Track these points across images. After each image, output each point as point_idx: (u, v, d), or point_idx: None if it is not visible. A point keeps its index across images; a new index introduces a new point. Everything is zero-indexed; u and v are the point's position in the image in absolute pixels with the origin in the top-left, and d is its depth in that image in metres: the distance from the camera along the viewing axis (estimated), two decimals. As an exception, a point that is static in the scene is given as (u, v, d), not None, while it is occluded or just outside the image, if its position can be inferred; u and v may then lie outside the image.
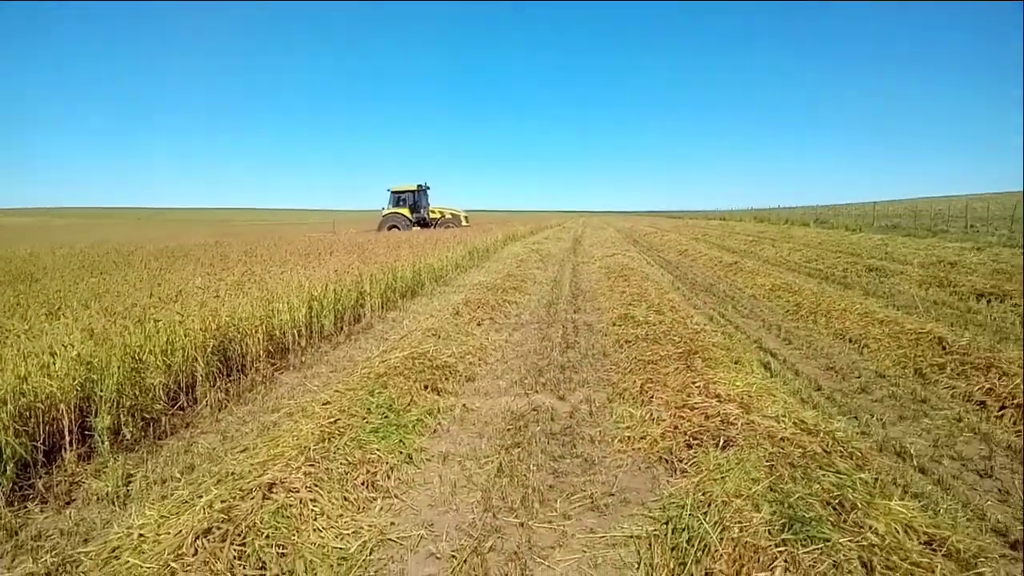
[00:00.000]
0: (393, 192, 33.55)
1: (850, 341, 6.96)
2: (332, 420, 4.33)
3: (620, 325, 7.77)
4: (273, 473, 3.42)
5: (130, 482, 3.84)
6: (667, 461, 3.91)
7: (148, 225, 68.24)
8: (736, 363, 5.73)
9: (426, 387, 5.44)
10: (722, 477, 3.38)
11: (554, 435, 4.49)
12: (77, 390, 4.22)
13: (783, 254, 17.69)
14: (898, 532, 2.78)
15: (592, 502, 3.47)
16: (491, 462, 4.02)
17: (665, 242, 24.99)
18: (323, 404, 4.78)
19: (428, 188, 34.07)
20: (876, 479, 3.40)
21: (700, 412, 4.37)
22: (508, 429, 4.62)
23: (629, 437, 4.31)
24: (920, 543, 2.75)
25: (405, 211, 32.87)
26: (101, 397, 4.29)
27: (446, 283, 13.18)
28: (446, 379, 5.80)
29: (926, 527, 2.84)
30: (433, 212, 33.77)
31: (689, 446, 3.99)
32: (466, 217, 34.55)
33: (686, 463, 3.77)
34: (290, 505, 3.13)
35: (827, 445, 3.77)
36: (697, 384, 4.94)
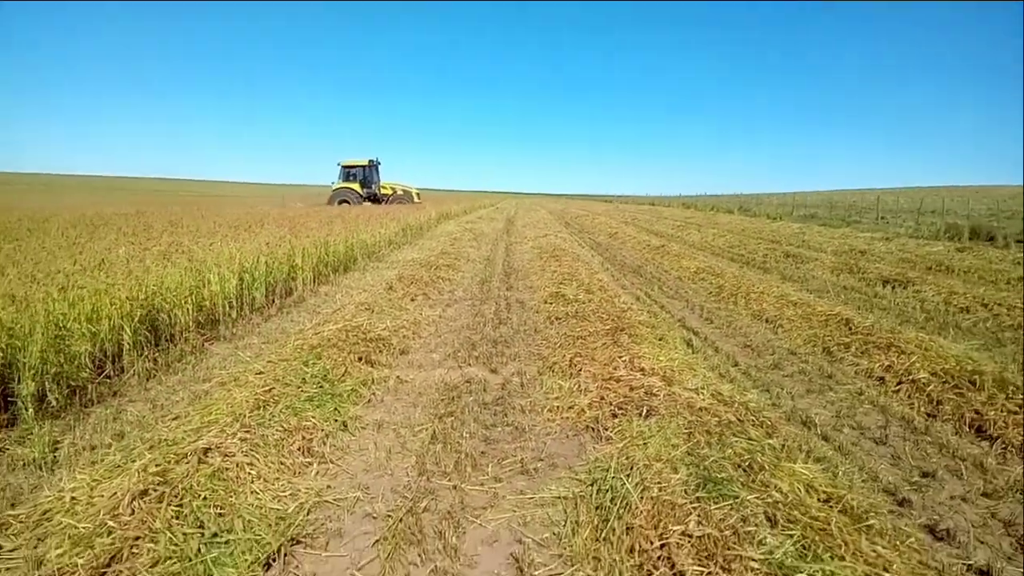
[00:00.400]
0: (343, 167, 32.85)
1: (766, 321, 7.36)
2: (267, 389, 4.35)
3: (551, 303, 7.97)
4: (208, 439, 3.45)
5: (57, 449, 3.78)
6: (593, 429, 4.12)
7: (64, 192, 64.50)
8: (660, 340, 6.01)
9: (360, 359, 5.49)
10: (644, 443, 3.61)
11: (486, 405, 4.64)
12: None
13: (708, 239, 18.32)
14: (800, 491, 3.05)
15: (522, 466, 3.64)
16: (424, 430, 4.14)
17: (596, 225, 25.44)
18: (256, 374, 4.79)
19: (379, 164, 33.53)
20: (783, 445, 3.68)
21: (625, 384, 4.61)
22: (441, 400, 4.74)
23: (558, 407, 4.50)
24: (819, 500, 3.02)
25: (355, 186, 32.26)
26: (24, 364, 4.18)
27: (379, 259, 13.13)
28: (380, 352, 5.86)
29: (825, 487, 3.12)
30: (384, 188, 33.15)
31: (614, 415, 4.20)
32: (418, 194, 34.02)
33: (611, 431, 3.98)
34: (226, 469, 3.18)
35: (741, 415, 4.05)
36: (623, 359, 5.18)
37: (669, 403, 4.17)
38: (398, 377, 5.26)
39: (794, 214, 33.25)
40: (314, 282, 9.87)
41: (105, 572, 2.43)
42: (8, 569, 2.49)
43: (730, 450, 3.46)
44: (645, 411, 4.11)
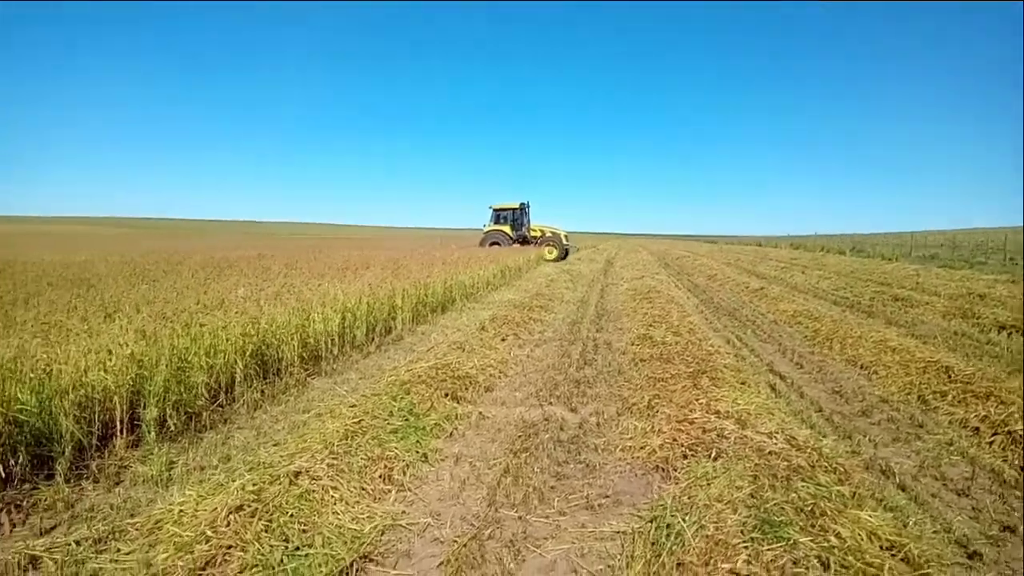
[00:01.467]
0: (494, 210, 32.86)
1: (861, 367, 7.13)
2: (356, 420, 4.72)
3: (638, 345, 8.04)
4: (299, 463, 3.81)
5: (172, 468, 4.25)
6: (662, 469, 4.20)
7: (208, 235, 70.00)
8: (742, 383, 5.97)
9: (446, 395, 5.80)
10: (707, 484, 3.67)
11: (561, 443, 4.81)
12: (129, 384, 4.68)
13: (812, 281, 17.73)
14: (861, 538, 3.04)
15: (587, 502, 3.78)
16: (499, 464, 4.36)
17: (696, 266, 25.08)
18: (350, 407, 5.18)
19: (528, 207, 33.22)
20: (854, 492, 3.64)
21: (699, 426, 4.65)
22: (519, 436, 4.94)
23: (630, 447, 4.60)
24: (879, 548, 3.00)
25: (506, 228, 32.09)
26: (150, 392, 4.75)
27: (476, 300, 13.58)
28: (466, 388, 6.15)
29: (889, 535, 3.08)
30: (533, 230, 32.72)
31: (684, 456, 4.27)
32: (566, 236, 33.09)
33: (679, 471, 4.05)
34: (313, 491, 3.51)
35: (813, 460, 4.02)
36: (700, 401, 5.22)
37: (739, 446, 4.20)
38: (480, 413, 5.52)
39: (912, 255, 31.47)
40: (413, 321, 10.38)
41: (201, 574, 2.78)
42: (123, 569, 2.88)
43: (794, 494, 3.47)
44: (714, 453, 4.15)
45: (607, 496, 3.87)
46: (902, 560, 2.89)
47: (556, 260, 29.99)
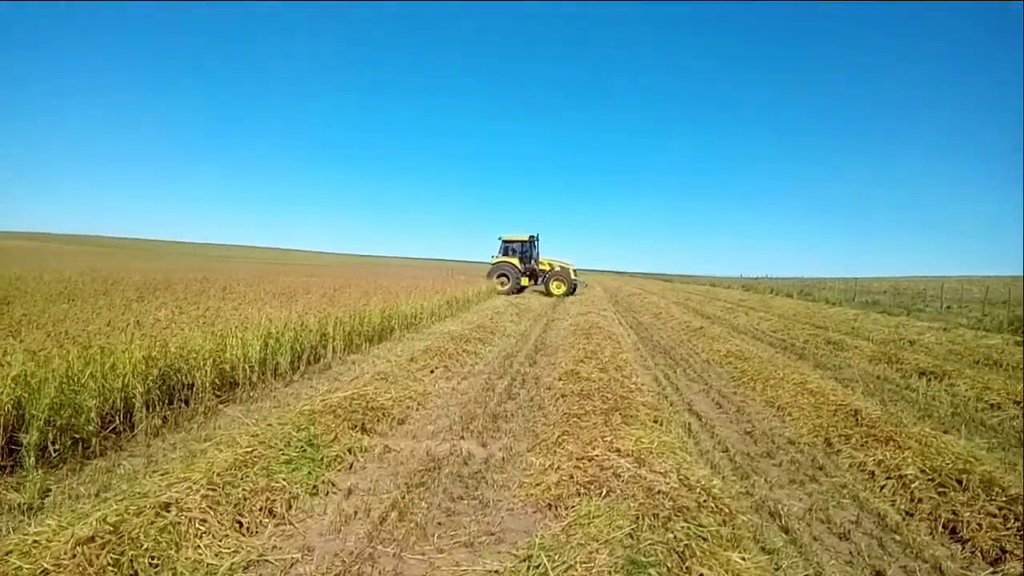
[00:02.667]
0: (504, 241, 32.04)
1: (777, 408, 7.24)
2: (249, 450, 4.58)
3: (564, 380, 8.03)
4: (172, 493, 3.67)
5: (47, 496, 4.07)
6: (553, 507, 4.16)
7: (165, 258, 68.35)
8: (655, 422, 6.00)
9: (355, 426, 5.70)
10: (589, 522, 3.64)
11: (461, 478, 4.74)
12: (11, 407, 4.49)
13: (753, 323, 18.07)
14: (726, 579, 3.04)
15: (470, 539, 3.71)
16: (391, 499, 4.27)
17: (645, 304, 25.32)
18: (251, 436, 5.03)
19: (538, 239, 32.37)
20: (733, 534, 3.66)
21: (597, 464, 4.63)
22: (420, 470, 4.86)
23: (528, 483, 4.56)
24: (745, 591, 3.00)
25: (515, 260, 31.28)
26: (32, 415, 4.55)
27: (417, 330, 13.49)
28: (378, 420, 6.06)
29: (754, 577, 3.09)
30: (542, 264, 31.90)
31: (578, 494, 4.24)
32: (575, 271, 32.12)
33: (568, 509, 4.02)
34: (179, 523, 3.38)
35: (701, 501, 4.03)
36: (606, 439, 5.21)
37: (630, 485, 4.18)
38: (387, 446, 5.42)
39: (856, 300, 32.31)
40: (345, 350, 10.25)
41: (34, 610, 2.64)
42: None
43: (671, 535, 3.46)
44: (604, 491, 4.14)
45: (492, 534, 3.81)
46: (760, 604, 2.89)
47: (564, 295, 29.56)
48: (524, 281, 31.42)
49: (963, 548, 3.85)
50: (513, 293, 29.39)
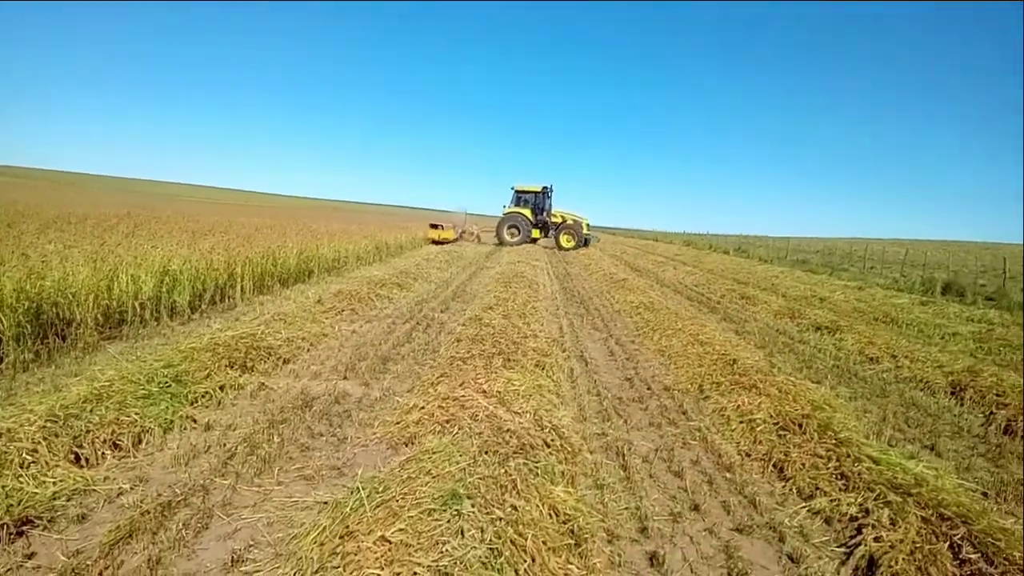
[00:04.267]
0: (516, 191, 31.12)
1: (667, 357, 7.47)
2: (107, 384, 4.53)
3: (466, 326, 8.11)
4: (8, 424, 3.63)
5: None
6: (407, 444, 4.26)
7: (101, 192, 65.55)
8: (537, 366, 6.14)
9: (233, 365, 5.67)
10: (429, 458, 3.74)
11: (328, 416, 4.80)
12: None
13: (680, 276, 18.46)
14: (541, 511, 3.18)
15: (313, 473, 3.79)
16: (245, 434, 4.30)
17: (579, 255, 25.50)
18: (115, 371, 4.96)
19: (552, 191, 31.16)
20: (569, 471, 3.82)
21: (460, 404, 4.74)
22: (290, 407, 4.89)
23: (391, 421, 4.65)
24: (558, 522, 3.16)
25: (527, 211, 30.36)
26: None
27: (339, 274, 13.36)
28: (262, 360, 6.04)
29: (570, 510, 3.25)
30: (554, 216, 30.73)
31: (432, 432, 4.34)
32: (588, 226, 30.92)
33: (418, 447, 4.12)
34: (5, 452, 3.35)
35: (549, 440, 4.18)
36: (479, 381, 5.32)
37: (482, 423, 4.31)
38: (263, 384, 5.43)
39: (787, 258, 33.23)
40: (255, 291, 10.11)
41: None
42: None
43: (503, 470, 3.59)
44: (456, 429, 4.25)
45: (336, 468, 3.89)
46: (565, 533, 3.04)
47: (574, 248, 28.87)
48: (535, 233, 30.56)
49: (784, 486, 4.10)
50: (525, 243, 29.16)
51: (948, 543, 3.15)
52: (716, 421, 5.28)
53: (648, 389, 6.18)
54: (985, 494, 4.22)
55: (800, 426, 4.81)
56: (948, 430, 5.56)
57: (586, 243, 30.41)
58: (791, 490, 4.03)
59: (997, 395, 6.22)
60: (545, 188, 30.79)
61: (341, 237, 16.32)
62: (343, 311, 8.97)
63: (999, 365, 8.25)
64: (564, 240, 29.50)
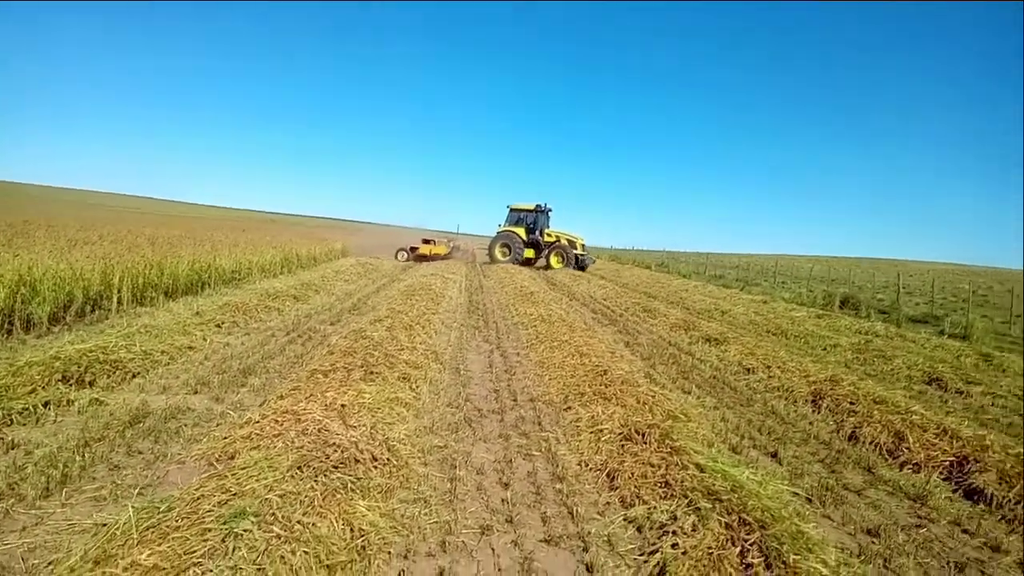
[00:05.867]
0: (511, 210, 30.21)
1: (545, 368, 7.44)
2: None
3: (348, 339, 7.91)
4: None
5: None
6: (226, 460, 4.06)
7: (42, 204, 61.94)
8: (402, 378, 6.04)
9: (67, 379, 5.36)
10: (235, 474, 3.57)
11: (157, 433, 4.55)
12: None
13: (592, 290, 18.62)
14: (334, 527, 3.06)
15: (109, 493, 3.56)
16: (51, 452, 4.02)
17: (496, 268, 25.36)
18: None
19: (548, 210, 30.09)
20: (387, 484, 3.71)
21: (296, 417, 4.57)
22: (119, 424, 4.61)
23: (218, 436, 4.44)
24: (350, 538, 3.04)
25: (520, 231, 29.30)
26: None
27: (238, 286, 12.93)
28: (106, 374, 5.72)
29: (367, 525, 3.13)
30: (549, 235, 29.41)
31: (256, 447, 4.15)
32: (583, 246, 29.47)
33: (235, 461, 3.93)
34: None
35: (378, 453, 4.08)
36: (328, 394, 5.16)
37: (309, 437, 4.15)
38: (96, 399, 5.13)
39: (706, 273, 34.13)
40: (133, 303, 9.65)
41: None
42: None
43: (311, 484, 3.46)
44: (280, 444, 4.08)
45: (141, 487, 3.68)
46: (358, 548, 2.93)
47: (562, 269, 27.30)
48: (529, 253, 29.29)
49: (611, 495, 4.08)
50: (517, 264, 27.93)
51: (740, 548, 3.17)
52: (568, 432, 5.26)
53: (513, 400, 6.13)
54: (809, 499, 4.31)
55: (643, 435, 4.82)
56: (797, 437, 5.69)
57: (582, 266, 28.67)
58: (616, 499, 4.01)
59: (850, 403, 6.43)
60: (539, 206, 29.78)
61: (246, 248, 15.81)
62: (223, 323, 8.66)
63: (868, 375, 8.60)
64: (554, 261, 28.22)
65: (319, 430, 4.30)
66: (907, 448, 5.30)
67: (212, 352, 7.13)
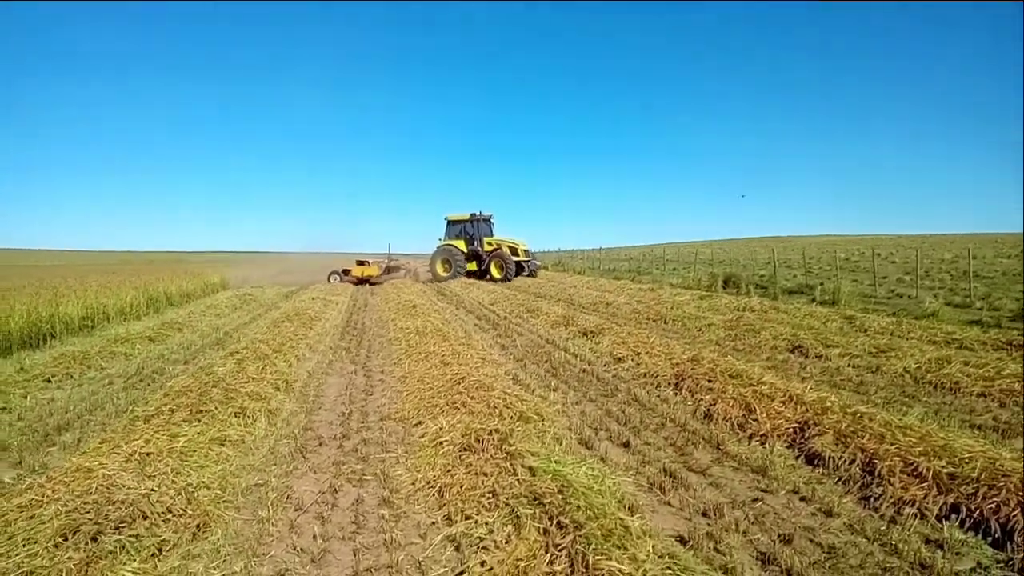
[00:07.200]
0: (449, 221, 28.25)
1: (406, 383, 7.08)
2: None
3: (188, 377, 7.27)
4: None
5: None
6: None
7: None
8: (237, 414, 5.56)
9: None
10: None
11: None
12: None
13: (480, 296, 18.42)
14: None
15: None
16: None
17: (385, 286, 24.67)
18: None
19: (486, 218, 28.01)
20: (175, 539, 3.27)
21: (86, 473, 4.03)
22: None
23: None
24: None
25: (460, 243, 27.37)
26: None
27: (90, 333, 11.89)
28: None
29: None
30: (490, 243, 27.13)
31: (31, 517, 3.61)
32: (526, 252, 27.56)
33: None
34: None
35: (173, 504, 3.61)
36: (134, 442, 4.62)
37: (94, 496, 3.64)
38: None
39: (600, 268, 34.73)
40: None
41: None
42: None
43: (76, 555, 2.97)
44: (51, 508, 3.55)
45: None
46: None
47: (503, 279, 25.39)
48: (471, 266, 27.21)
49: (438, 512, 3.77)
50: (458, 277, 25.97)
51: (550, 555, 2.93)
52: (412, 449, 4.92)
53: (363, 422, 5.76)
54: (651, 487, 4.16)
55: (482, 443, 4.56)
56: (655, 423, 5.59)
57: (530, 272, 27.25)
58: (441, 518, 3.71)
59: (708, 381, 6.40)
60: (474, 215, 27.77)
61: (99, 291, 14.62)
62: (55, 376, 7.91)
63: (736, 351, 8.73)
64: (494, 270, 26.15)
65: (109, 486, 3.79)
66: (755, 420, 5.27)
67: (27, 410, 6.38)
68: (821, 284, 18.92)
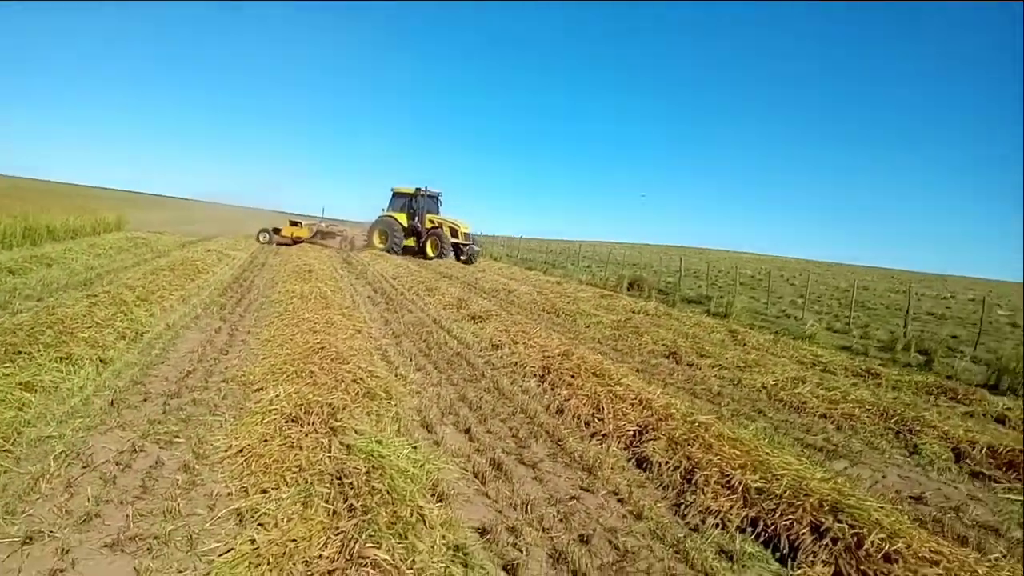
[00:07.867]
0: (394, 193, 27.07)
1: (267, 347, 6.77)
2: None
3: (30, 315, 6.75)
4: None
5: None
6: None
7: None
8: (61, 359, 5.13)
9: None
10: None
11: None
12: None
13: (385, 269, 18.16)
14: None
15: None
16: None
17: (291, 249, 23.88)
18: None
19: (432, 195, 26.77)
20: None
21: None
22: None
23: None
24: None
25: (402, 216, 26.12)
26: None
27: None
28: None
29: None
30: (431, 221, 26.02)
31: None
32: (467, 235, 26.26)
33: None
34: None
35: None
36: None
37: None
38: None
39: (517, 256, 34.84)
40: None
41: None
42: None
43: None
44: None
45: None
46: None
47: (437, 258, 24.36)
48: (409, 241, 26.17)
49: (239, 483, 3.55)
50: (394, 253, 24.78)
51: (326, 536, 2.77)
52: (241, 414, 4.65)
53: (204, 383, 5.43)
54: (476, 475, 4.07)
55: (309, 415, 4.34)
56: (506, 412, 5.52)
57: (468, 257, 25.92)
58: (237, 488, 3.48)
59: (571, 377, 6.37)
60: (419, 190, 26.54)
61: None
62: None
63: (614, 350, 8.79)
64: (429, 248, 25.26)
65: None
66: (600, 419, 5.28)
67: None
68: (720, 297, 19.46)
